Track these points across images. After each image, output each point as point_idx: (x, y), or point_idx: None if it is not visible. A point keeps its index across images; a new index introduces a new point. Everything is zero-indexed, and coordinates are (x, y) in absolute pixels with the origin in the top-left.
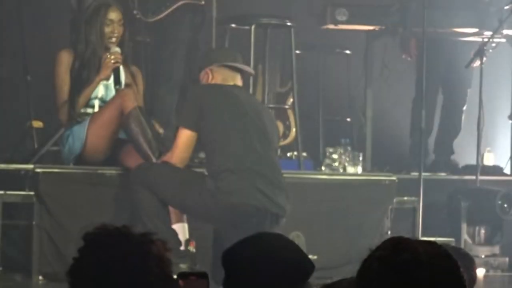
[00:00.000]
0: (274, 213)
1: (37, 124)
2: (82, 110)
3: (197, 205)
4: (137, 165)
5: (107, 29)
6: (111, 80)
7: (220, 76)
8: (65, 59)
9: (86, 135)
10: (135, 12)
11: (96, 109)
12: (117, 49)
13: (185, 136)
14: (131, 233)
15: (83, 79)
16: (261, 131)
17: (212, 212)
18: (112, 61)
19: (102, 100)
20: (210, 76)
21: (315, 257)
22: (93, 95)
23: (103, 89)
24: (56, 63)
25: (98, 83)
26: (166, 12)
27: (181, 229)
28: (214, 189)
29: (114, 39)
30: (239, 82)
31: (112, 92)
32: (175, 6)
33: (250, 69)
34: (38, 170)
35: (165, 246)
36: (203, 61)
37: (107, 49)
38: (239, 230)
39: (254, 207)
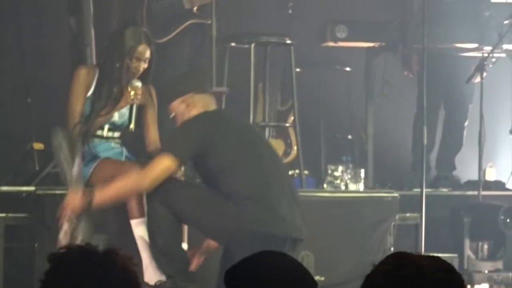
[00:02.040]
0: (293, 238)
1: (38, 146)
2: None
3: (217, 227)
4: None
5: (133, 65)
6: (126, 109)
7: (201, 103)
8: (83, 77)
9: (90, 177)
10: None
11: (105, 132)
12: (139, 84)
13: (169, 162)
14: (95, 249)
15: (99, 104)
16: (269, 152)
17: (232, 235)
18: (132, 97)
19: (113, 124)
20: (191, 105)
21: (322, 278)
22: (106, 121)
23: (116, 115)
24: (73, 81)
25: (113, 114)
26: (175, 32)
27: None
28: (236, 214)
29: (138, 74)
30: (215, 104)
31: (125, 117)
32: (183, 26)
33: (222, 89)
34: (40, 192)
35: (131, 260)
36: (180, 87)
37: (128, 81)
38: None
39: (275, 237)
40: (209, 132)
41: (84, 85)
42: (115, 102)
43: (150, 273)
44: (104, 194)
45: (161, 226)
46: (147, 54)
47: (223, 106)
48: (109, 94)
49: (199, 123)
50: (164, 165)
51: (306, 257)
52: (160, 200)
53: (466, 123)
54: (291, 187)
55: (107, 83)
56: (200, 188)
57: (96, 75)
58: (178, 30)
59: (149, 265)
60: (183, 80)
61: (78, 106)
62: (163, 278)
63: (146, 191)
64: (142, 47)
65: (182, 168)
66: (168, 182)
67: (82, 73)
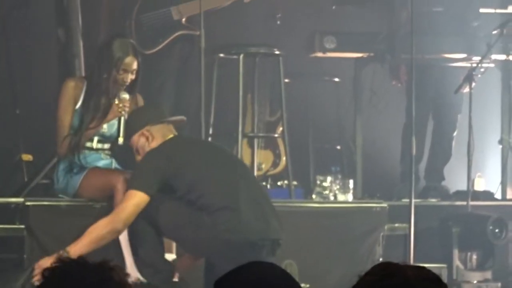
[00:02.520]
0: (272, 240)
1: (27, 157)
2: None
3: (194, 240)
4: None
5: (120, 76)
6: (115, 120)
7: (159, 133)
8: (71, 90)
9: (79, 187)
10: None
11: (95, 144)
12: (126, 96)
13: (138, 199)
14: (88, 262)
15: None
16: (235, 161)
17: (209, 247)
18: (119, 109)
19: (102, 136)
20: (150, 137)
21: (308, 285)
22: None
23: (105, 126)
24: (61, 93)
25: (102, 125)
26: (164, 43)
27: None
28: (211, 226)
29: (125, 85)
30: (174, 131)
31: (114, 128)
32: (172, 38)
33: (180, 118)
34: (28, 203)
35: (124, 272)
36: (134, 124)
37: (116, 93)
38: (235, 261)
39: (251, 243)
40: (171, 158)
41: (72, 98)
42: (103, 114)
43: (133, 270)
44: (79, 249)
45: (142, 239)
46: (134, 65)
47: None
48: (97, 106)
49: (160, 153)
50: (134, 202)
51: (289, 266)
52: (141, 215)
53: (455, 133)
54: (262, 192)
55: (95, 95)
56: (176, 203)
57: (84, 87)
58: (166, 42)
59: (133, 263)
60: (140, 114)
61: (66, 119)
62: (142, 279)
63: (122, 232)
64: (129, 59)
65: None
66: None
67: (69, 86)
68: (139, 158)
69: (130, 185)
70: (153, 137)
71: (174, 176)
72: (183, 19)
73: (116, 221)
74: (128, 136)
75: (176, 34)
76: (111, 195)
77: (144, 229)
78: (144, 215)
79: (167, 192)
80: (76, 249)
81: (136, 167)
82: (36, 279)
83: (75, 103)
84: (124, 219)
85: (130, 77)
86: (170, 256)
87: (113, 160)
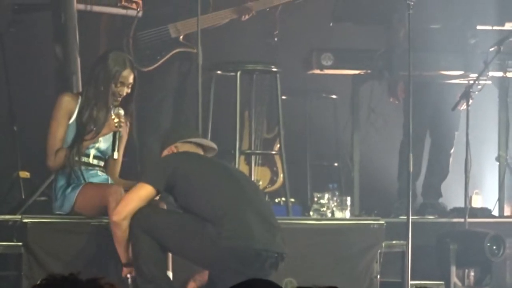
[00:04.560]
0: (275, 253)
1: (24, 174)
2: (76, 158)
3: (198, 253)
4: (139, 209)
5: (117, 89)
6: (110, 135)
7: (183, 148)
8: (66, 104)
9: (74, 203)
10: None
11: (91, 159)
12: (122, 112)
13: (144, 191)
14: (79, 280)
15: (83, 129)
16: (240, 174)
17: (213, 259)
18: (115, 124)
19: (98, 150)
20: (175, 151)
21: None
22: (90, 144)
23: (101, 140)
24: (56, 107)
25: (97, 138)
26: (162, 61)
27: None
28: (216, 234)
29: (119, 99)
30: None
31: (109, 143)
32: (169, 55)
33: (212, 144)
34: (26, 220)
35: None
36: (167, 139)
37: (112, 105)
38: (238, 276)
39: (256, 253)
40: (182, 162)
41: (66, 112)
42: (99, 127)
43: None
44: None
45: (145, 254)
46: (131, 79)
47: (209, 135)
48: (92, 119)
49: (174, 156)
50: (139, 193)
51: (289, 283)
52: (144, 230)
53: (452, 151)
54: (268, 207)
55: (90, 108)
56: (181, 215)
57: (79, 101)
58: (164, 59)
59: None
60: (171, 132)
61: (59, 132)
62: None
63: (125, 222)
64: (126, 72)
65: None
66: (151, 211)
67: (65, 100)
68: None
69: (140, 178)
70: (178, 150)
71: (182, 179)
72: (181, 37)
73: (119, 211)
74: (160, 150)
75: (174, 51)
76: (106, 211)
77: (148, 244)
78: (149, 231)
79: (175, 199)
80: None
81: (149, 164)
82: None
83: (69, 117)
84: (127, 209)
85: (126, 90)
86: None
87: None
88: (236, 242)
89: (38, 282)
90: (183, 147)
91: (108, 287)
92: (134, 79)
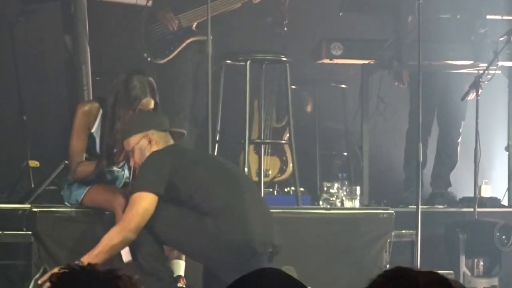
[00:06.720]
0: (272, 246)
1: (34, 163)
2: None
3: (197, 248)
4: None
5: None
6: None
7: (162, 140)
8: (83, 117)
9: (82, 201)
10: (145, 55)
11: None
12: None
13: (147, 202)
14: (96, 270)
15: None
16: (233, 167)
17: (212, 254)
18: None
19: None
20: (153, 141)
21: None
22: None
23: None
24: (74, 119)
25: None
26: (175, 53)
27: (177, 266)
28: (214, 229)
29: None
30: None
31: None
32: (183, 45)
33: (181, 130)
34: (35, 209)
35: (132, 281)
36: (139, 124)
37: None
38: (234, 269)
39: (254, 245)
40: (177, 158)
41: (85, 124)
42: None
43: (126, 253)
44: (92, 260)
45: (143, 248)
46: (151, 105)
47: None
48: (116, 142)
49: (165, 153)
50: (142, 206)
51: (288, 271)
52: None
53: (459, 140)
54: (261, 198)
55: (109, 131)
56: (179, 209)
57: (100, 111)
58: (179, 49)
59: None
60: (144, 117)
61: (79, 145)
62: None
63: (134, 239)
64: (146, 100)
65: None
66: None
67: (82, 111)
68: (134, 159)
69: (136, 188)
70: (156, 142)
71: (179, 177)
72: (194, 25)
73: (127, 229)
74: (126, 134)
75: (188, 41)
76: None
77: (145, 238)
78: (146, 224)
79: (171, 197)
80: (89, 260)
81: (140, 169)
82: (45, 286)
83: (89, 129)
84: (134, 227)
85: None
86: (177, 262)
87: (126, 171)
88: (234, 236)
89: (56, 270)
90: (159, 135)
91: (125, 278)
92: (156, 104)
